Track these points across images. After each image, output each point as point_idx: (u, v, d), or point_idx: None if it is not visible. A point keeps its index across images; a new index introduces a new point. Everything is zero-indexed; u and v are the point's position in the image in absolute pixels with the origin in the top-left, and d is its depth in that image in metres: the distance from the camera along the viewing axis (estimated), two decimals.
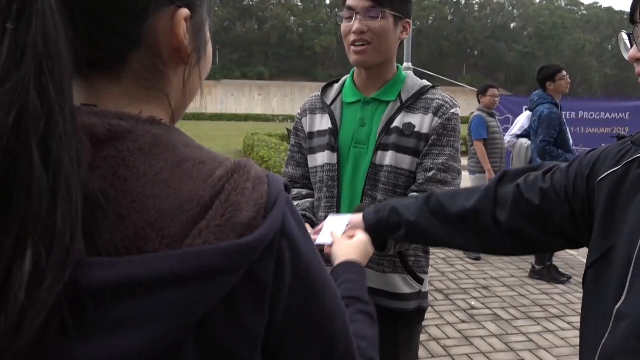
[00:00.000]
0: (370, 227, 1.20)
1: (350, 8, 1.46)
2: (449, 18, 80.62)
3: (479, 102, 5.56)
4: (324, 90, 1.65)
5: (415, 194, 1.46)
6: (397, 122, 1.48)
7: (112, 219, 0.45)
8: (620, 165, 0.93)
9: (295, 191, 1.65)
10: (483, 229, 1.09)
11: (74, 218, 0.41)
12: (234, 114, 56.62)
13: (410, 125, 1.47)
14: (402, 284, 1.53)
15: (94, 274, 0.42)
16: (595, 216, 0.95)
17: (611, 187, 0.92)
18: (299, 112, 1.69)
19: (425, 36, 73.53)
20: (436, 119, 1.47)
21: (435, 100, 1.50)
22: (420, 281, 1.58)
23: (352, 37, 1.46)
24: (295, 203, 1.60)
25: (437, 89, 1.56)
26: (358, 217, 1.27)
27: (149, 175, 0.48)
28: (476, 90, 5.86)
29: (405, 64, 6.33)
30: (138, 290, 0.43)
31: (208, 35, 0.62)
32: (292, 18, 78.17)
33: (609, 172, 0.94)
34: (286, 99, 68.20)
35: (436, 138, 1.47)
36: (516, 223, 1.05)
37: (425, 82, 1.57)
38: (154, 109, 0.56)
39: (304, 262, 0.55)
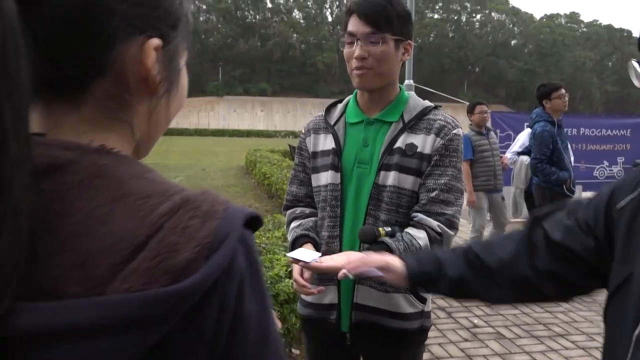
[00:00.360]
0: (412, 276, 1.18)
1: (351, 34, 1.48)
2: (450, 35, 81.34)
3: (469, 120, 5.59)
4: (328, 110, 1.67)
5: (420, 214, 1.48)
6: (399, 143, 1.50)
7: (38, 258, 0.43)
8: (638, 191, 0.92)
9: (298, 210, 1.67)
10: (522, 278, 1.07)
11: (18, 248, 0.39)
12: (236, 130, 56.91)
13: (412, 146, 1.49)
14: (405, 304, 1.53)
15: (12, 319, 0.39)
16: (615, 245, 0.94)
17: (629, 213, 0.91)
18: (303, 131, 1.71)
19: (426, 53, 74.17)
20: (438, 139, 1.49)
21: (438, 121, 1.51)
22: (423, 300, 1.57)
23: (354, 63, 1.48)
24: (298, 222, 1.62)
25: (439, 109, 1.58)
26: (354, 255, 1.28)
27: (85, 210, 0.45)
28: None
29: (406, 81, 6.38)
30: (56, 338, 0.40)
31: (181, 65, 0.60)
32: (295, 35, 78.93)
33: (627, 198, 0.93)
34: (288, 115, 68.49)
35: (438, 158, 1.48)
36: (550, 266, 1.03)
37: (427, 103, 1.59)
38: (113, 138, 0.53)
39: (249, 313, 0.49)
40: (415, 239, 1.44)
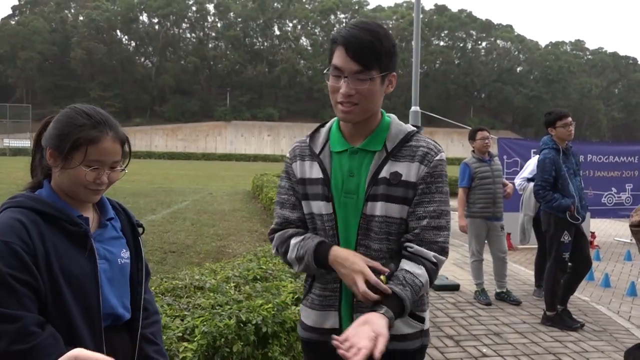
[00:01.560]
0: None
1: (337, 68, 1.46)
2: (456, 62, 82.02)
3: (471, 146, 5.59)
4: (312, 137, 1.66)
5: (414, 245, 1.50)
6: (384, 172, 1.51)
7: None
8: None
9: (291, 230, 1.64)
10: None
11: None
12: (243, 154, 57.21)
13: (397, 174, 1.50)
14: (403, 326, 1.54)
15: None
16: None
17: None
18: (289, 156, 1.69)
19: (432, 79, 74.68)
20: (422, 167, 1.51)
21: (420, 148, 1.53)
22: (422, 320, 1.59)
23: (339, 97, 1.47)
24: (302, 236, 1.59)
25: (420, 133, 1.59)
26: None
27: None
28: None
29: (412, 108, 6.42)
30: None
31: None
32: (302, 61, 79.90)
33: None
34: (295, 140, 68.65)
35: (425, 186, 1.50)
36: None
37: (408, 128, 1.59)
38: None
39: None
40: (416, 278, 1.46)
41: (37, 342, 1.24)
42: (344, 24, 1.52)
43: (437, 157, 1.52)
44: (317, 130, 1.68)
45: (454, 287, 5.82)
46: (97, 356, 0.44)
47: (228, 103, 74.62)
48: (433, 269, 1.50)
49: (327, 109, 78.75)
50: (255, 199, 14.18)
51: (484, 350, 4.01)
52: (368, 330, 1.29)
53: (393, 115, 1.64)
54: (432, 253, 1.49)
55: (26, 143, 52.22)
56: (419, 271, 1.47)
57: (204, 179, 22.93)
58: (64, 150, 1.38)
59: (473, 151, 5.56)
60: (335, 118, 1.63)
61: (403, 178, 1.50)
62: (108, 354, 1.39)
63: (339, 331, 1.56)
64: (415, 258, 1.49)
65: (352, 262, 1.45)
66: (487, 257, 5.78)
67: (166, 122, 70.21)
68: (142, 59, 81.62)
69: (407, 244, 1.51)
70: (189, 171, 29.53)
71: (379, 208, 1.50)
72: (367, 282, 1.41)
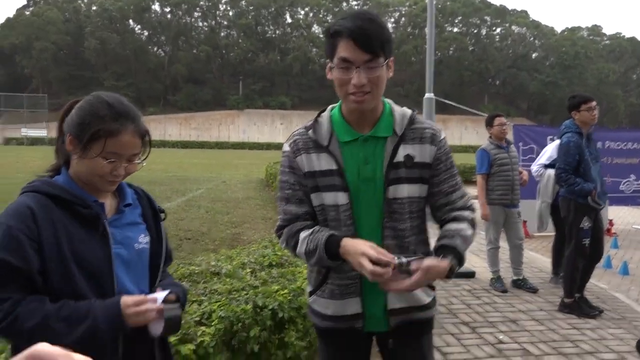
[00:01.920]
0: None
1: (346, 60, 1.48)
2: (470, 49, 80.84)
3: (488, 132, 5.51)
4: (314, 129, 1.64)
5: (452, 213, 1.65)
6: (399, 156, 1.59)
7: None
8: None
9: (299, 224, 1.65)
10: None
11: None
12: (256, 143, 57.28)
13: (410, 157, 1.60)
14: (424, 296, 1.69)
15: None
16: None
17: None
18: (290, 150, 1.66)
19: (446, 66, 73.66)
20: (433, 147, 1.63)
21: (426, 130, 1.65)
22: (433, 288, 1.75)
23: (351, 89, 1.51)
24: (311, 229, 1.61)
25: (418, 115, 1.70)
26: None
27: None
28: None
29: (427, 95, 6.34)
30: None
31: None
32: (314, 49, 79.46)
33: None
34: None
35: (442, 165, 1.65)
36: None
37: (407, 110, 1.68)
38: None
39: None
40: (461, 230, 1.61)
41: (19, 311, 1.29)
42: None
43: (442, 136, 1.67)
44: (315, 121, 1.66)
45: (470, 275, 5.78)
46: (57, 351, 0.44)
47: (240, 91, 74.64)
48: (473, 224, 1.66)
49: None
50: (268, 187, 14.21)
51: (501, 337, 3.98)
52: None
53: (388, 99, 1.70)
54: (467, 212, 1.67)
55: (43, 132, 52.90)
56: (462, 226, 1.62)
57: (218, 168, 23.03)
58: (83, 139, 1.39)
59: (490, 137, 5.48)
60: (332, 108, 1.68)
61: (418, 160, 1.61)
62: (125, 339, 1.41)
63: (362, 315, 1.65)
64: (455, 219, 1.64)
65: (355, 248, 1.47)
66: (504, 245, 5.73)
67: (179, 111, 70.48)
68: (155, 48, 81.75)
69: (446, 215, 1.66)
70: (202, 160, 29.69)
71: (401, 190, 1.59)
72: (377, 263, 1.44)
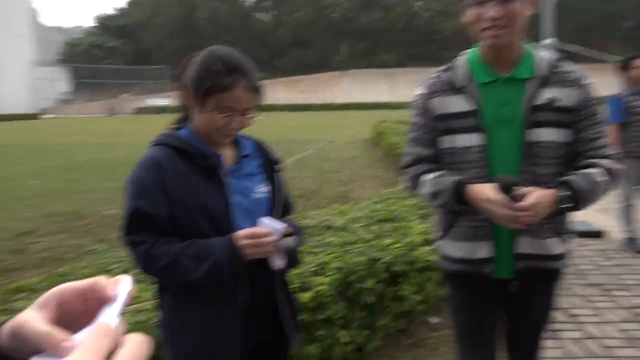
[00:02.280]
0: None
1: None
2: None
3: (624, 78, 4.86)
4: (451, 71, 1.64)
5: (591, 160, 1.56)
6: (540, 99, 1.53)
7: None
8: None
9: (425, 166, 1.66)
10: None
11: None
12: (361, 103, 57.01)
13: (553, 100, 1.53)
14: (558, 245, 1.63)
15: None
16: None
17: None
18: (424, 92, 1.66)
19: (568, 9, 66.74)
20: (578, 91, 1.55)
21: (571, 73, 1.57)
22: (567, 241, 1.68)
23: (486, 23, 1.47)
24: (439, 172, 1.62)
25: (562, 60, 1.63)
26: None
27: None
28: None
29: (548, 40, 5.77)
30: None
31: None
32: (418, 3, 76.09)
33: None
34: (413, 86, 66.65)
35: (586, 111, 1.56)
36: None
37: (550, 54, 1.61)
38: None
39: None
40: (591, 173, 1.53)
41: (151, 252, 1.39)
42: None
43: (587, 81, 1.58)
44: (452, 64, 1.66)
45: (596, 234, 5.31)
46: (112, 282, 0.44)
47: (344, 52, 74.27)
48: (609, 173, 1.54)
49: (444, 51, 74.74)
50: (375, 146, 14.14)
51: (638, 301, 3.61)
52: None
53: (531, 45, 1.64)
54: (605, 161, 1.56)
55: (166, 101, 57.46)
56: (593, 171, 1.53)
57: (324, 129, 23.34)
58: (199, 93, 1.43)
59: (626, 82, 4.86)
60: (470, 52, 1.64)
61: (562, 103, 1.54)
62: (251, 284, 1.47)
63: (492, 260, 1.62)
64: (589, 165, 1.55)
65: (480, 194, 1.48)
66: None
67: (285, 74, 72.12)
68: (260, 15, 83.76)
69: (585, 161, 1.57)
70: (308, 122, 30.27)
71: (543, 134, 1.54)
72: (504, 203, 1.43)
